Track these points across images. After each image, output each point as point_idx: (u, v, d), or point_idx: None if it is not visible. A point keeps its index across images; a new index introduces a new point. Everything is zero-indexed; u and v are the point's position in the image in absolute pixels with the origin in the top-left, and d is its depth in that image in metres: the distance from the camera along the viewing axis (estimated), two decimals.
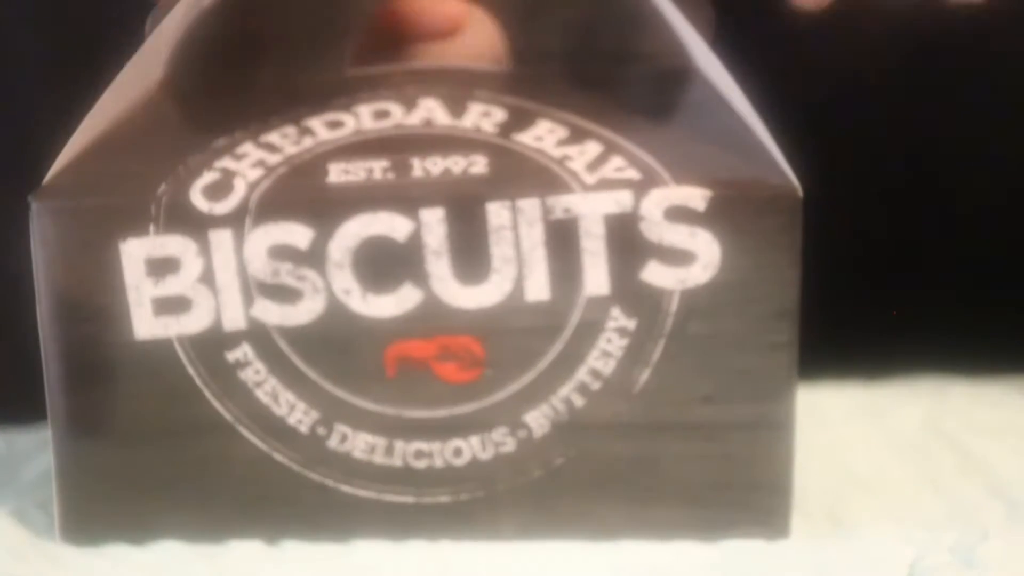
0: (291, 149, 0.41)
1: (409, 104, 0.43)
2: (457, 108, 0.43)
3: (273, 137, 0.42)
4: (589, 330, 0.40)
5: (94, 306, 0.40)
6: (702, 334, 0.40)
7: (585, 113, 0.42)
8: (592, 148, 0.41)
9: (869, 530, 0.42)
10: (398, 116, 0.42)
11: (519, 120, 0.42)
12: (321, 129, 0.42)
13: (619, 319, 0.40)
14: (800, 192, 0.39)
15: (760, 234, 0.39)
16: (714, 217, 0.39)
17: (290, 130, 0.42)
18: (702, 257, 0.39)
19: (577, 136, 0.41)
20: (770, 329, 0.40)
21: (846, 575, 0.39)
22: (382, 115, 0.42)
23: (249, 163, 0.41)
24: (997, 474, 0.45)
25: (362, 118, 0.42)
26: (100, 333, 0.41)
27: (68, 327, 0.41)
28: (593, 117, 0.42)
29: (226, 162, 0.41)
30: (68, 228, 0.40)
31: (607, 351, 0.40)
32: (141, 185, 0.40)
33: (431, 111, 0.42)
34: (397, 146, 0.41)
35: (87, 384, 0.41)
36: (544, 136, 0.41)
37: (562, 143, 0.41)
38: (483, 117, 0.42)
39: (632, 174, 0.40)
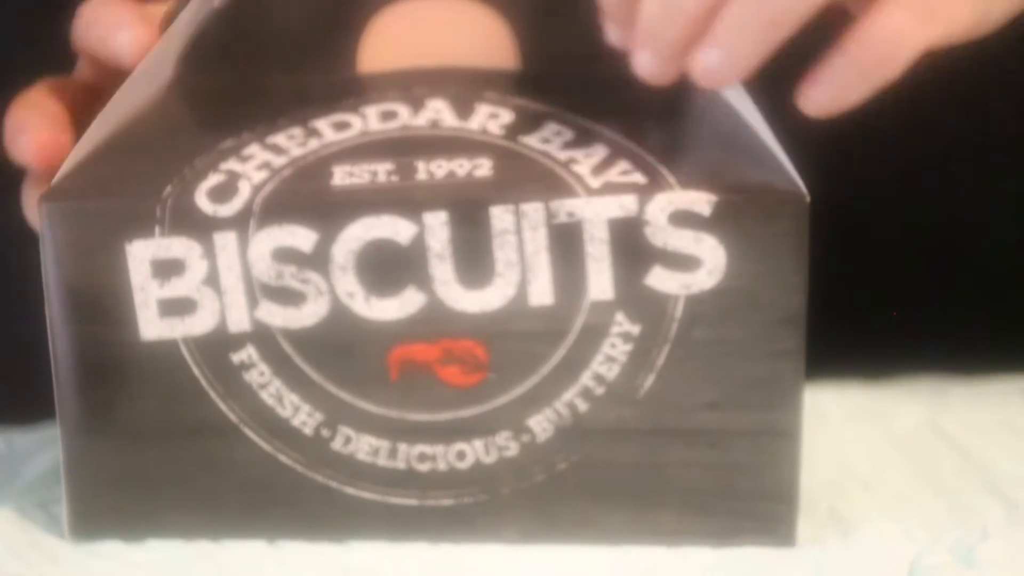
0: (297, 151, 0.41)
1: (416, 105, 0.43)
2: (464, 109, 0.42)
3: (279, 139, 0.42)
4: (593, 335, 0.40)
5: (101, 306, 0.40)
6: (707, 340, 0.40)
7: (593, 115, 0.42)
8: (599, 151, 0.41)
9: (869, 530, 0.42)
10: (405, 117, 0.42)
11: (526, 122, 0.42)
12: (328, 130, 0.42)
13: (623, 324, 0.40)
14: (807, 197, 0.39)
15: (766, 240, 0.39)
16: (719, 222, 0.39)
17: (297, 131, 0.42)
18: (707, 262, 0.39)
19: (584, 139, 0.41)
20: (776, 336, 0.39)
21: (846, 574, 0.39)
22: (389, 116, 0.42)
23: (254, 165, 0.41)
24: (997, 474, 0.45)
25: (369, 119, 0.42)
26: (107, 333, 0.41)
27: (76, 327, 0.41)
28: (600, 119, 0.42)
29: (232, 164, 0.41)
30: (76, 229, 0.40)
31: (611, 356, 0.40)
32: (147, 186, 0.40)
33: (438, 112, 0.42)
34: (402, 148, 0.41)
35: (94, 384, 0.41)
36: (551, 138, 0.41)
37: (568, 145, 0.41)
38: (490, 119, 0.42)
39: (637, 178, 0.40)
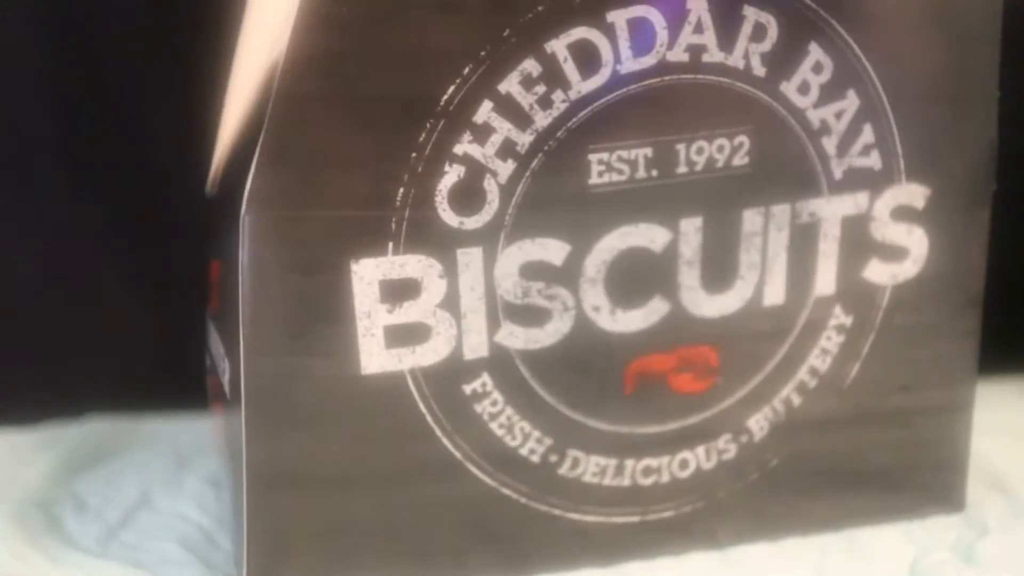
0: (541, 118, 0.35)
1: (674, 11, 0.36)
2: (730, 22, 0.37)
3: (514, 87, 0.35)
4: (813, 330, 0.40)
5: (314, 335, 0.35)
6: (906, 325, 0.40)
7: (856, 28, 0.38)
8: (850, 105, 0.39)
9: (869, 529, 0.42)
10: (663, 41, 0.36)
11: (791, 47, 0.38)
12: (571, 70, 0.35)
13: (839, 316, 0.40)
14: (995, 184, 0.40)
15: (960, 227, 0.40)
16: (928, 214, 0.40)
17: (532, 67, 0.35)
18: (913, 252, 0.40)
19: (841, 82, 0.38)
20: (963, 316, 0.41)
21: (848, 573, 0.39)
22: (644, 41, 0.36)
23: (495, 147, 0.35)
24: (997, 473, 0.45)
25: (620, 44, 0.36)
26: (319, 367, 0.35)
27: (280, 359, 0.35)
28: (863, 38, 0.38)
29: (467, 146, 0.35)
30: (290, 244, 0.34)
31: (826, 348, 0.40)
32: (373, 187, 0.34)
33: (700, 30, 0.37)
34: (661, 113, 0.37)
35: (299, 424, 0.35)
36: (810, 82, 0.38)
37: (824, 96, 0.38)
38: (753, 42, 0.37)
39: (875, 160, 0.39)
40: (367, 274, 0.35)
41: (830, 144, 0.39)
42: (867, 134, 0.39)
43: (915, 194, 0.39)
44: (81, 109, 0.50)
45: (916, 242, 0.40)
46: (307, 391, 0.35)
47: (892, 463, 0.42)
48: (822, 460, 0.41)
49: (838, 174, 0.39)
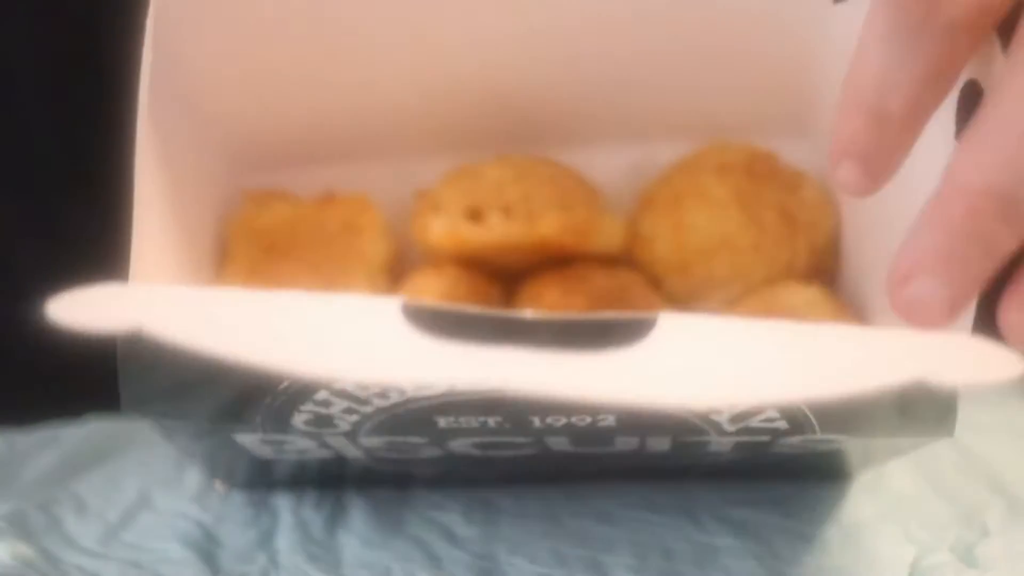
0: (379, 402, 0.36)
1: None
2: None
3: (318, 407, 0.36)
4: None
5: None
6: None
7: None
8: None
9: (869, 530, 0.42)
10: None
11: None
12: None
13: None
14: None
15: None
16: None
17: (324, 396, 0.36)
18: None
19: None
20: None
21: (847, 573, 0.39)
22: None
23: (340, 409, 0.36)
24: (997, 473, 0.45)
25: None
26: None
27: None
28: None
29: (312, 406, 0.36)
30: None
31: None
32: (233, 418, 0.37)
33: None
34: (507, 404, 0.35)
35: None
36: None
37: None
38: None
39: (780, 425, 0.36)
40: (247, 439, 0.38)
41: (722, 418, 0.36)
42: (770, 411, 0.35)
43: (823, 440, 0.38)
44: (81, 108, 0.50)
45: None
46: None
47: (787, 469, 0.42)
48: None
49: (731, 429, 0.36)
